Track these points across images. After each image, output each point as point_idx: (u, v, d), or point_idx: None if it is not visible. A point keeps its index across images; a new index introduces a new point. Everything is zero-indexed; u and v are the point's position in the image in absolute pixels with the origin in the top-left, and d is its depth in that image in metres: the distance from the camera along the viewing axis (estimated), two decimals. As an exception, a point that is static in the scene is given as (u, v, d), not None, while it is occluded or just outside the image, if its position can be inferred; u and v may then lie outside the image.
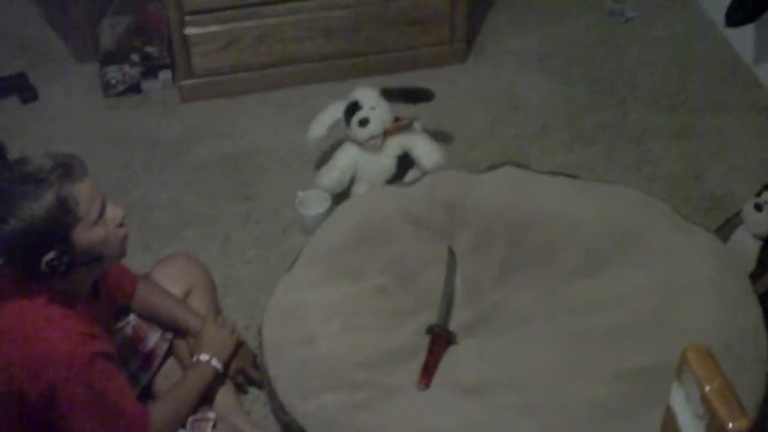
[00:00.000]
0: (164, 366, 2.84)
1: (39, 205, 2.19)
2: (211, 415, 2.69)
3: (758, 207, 3.04)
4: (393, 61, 4.18)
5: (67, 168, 2.25)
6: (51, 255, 2.23)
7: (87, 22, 4.21)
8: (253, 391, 2.92)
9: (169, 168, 3.76)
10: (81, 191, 2.25)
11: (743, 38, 4.21)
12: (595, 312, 2.87)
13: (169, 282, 2.86)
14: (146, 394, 2.80)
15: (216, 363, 2.71)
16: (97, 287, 2.48)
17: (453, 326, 2.87)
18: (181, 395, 2.61)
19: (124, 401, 2.39)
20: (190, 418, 2.65)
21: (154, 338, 2.79)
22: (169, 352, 2.85)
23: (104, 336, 2.40)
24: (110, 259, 2.40)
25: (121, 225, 2.39)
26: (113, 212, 2.36)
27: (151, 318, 2.80)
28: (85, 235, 2.27)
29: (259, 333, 2.85)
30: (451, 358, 2.76)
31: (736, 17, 3.89)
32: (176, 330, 2.83)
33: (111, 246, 2.35)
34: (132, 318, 2.77)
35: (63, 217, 2.22)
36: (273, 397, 2.71)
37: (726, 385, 2.30)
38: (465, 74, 4.23)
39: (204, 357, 2.70)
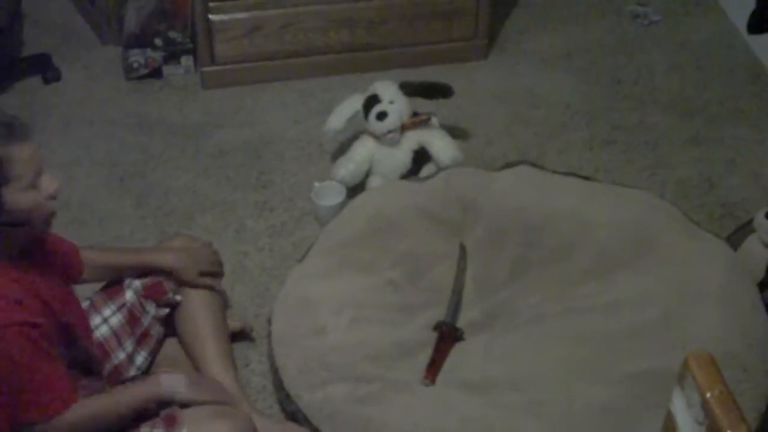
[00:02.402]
0: (167, 349, 2.84)
1: None
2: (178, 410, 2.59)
3: (770, 216, 3.05)
4: (414, 55, 4.19)
5: (8, 128, 2.23)
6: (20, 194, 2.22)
7: (112, 5, 4.23)
8: (260, 381, 2.94)
9: (187, 153, 3.78)
10: (18, 153, 2.21)
11: (766, 47, 4.20)
12: (603, 314, 2.88)
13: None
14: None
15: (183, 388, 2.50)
16: (30, 256, 2.42)
17: (461, 323, 2.89)
18: (110, 404, 2.45)
19: (39, 378, 2.29)
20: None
21: (147, 318, 2.75)
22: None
23: (35, 307, 2.31)
24: (32, 228, 2.35)
25: (52, 197, 2.34)
26: (48, 183, 2.31)
27: (113, 277, 2.74)
28: (12, 197, 2.23)
29: (269, 322, 2.88)
30: (457, 354, 2.78)
31: (757, 25, 3.88)
32: (147, 273, 2.77)
33: (36, 215, 2.31)
34: (129, 297, 2.76)
35: None
36: (279, 386, 2.74)
37: (727, 393, 2.31)
38: (485, 71, 4.24)
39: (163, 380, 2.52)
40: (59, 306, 2.41)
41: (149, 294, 2.72)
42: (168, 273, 2.74)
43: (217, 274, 2.85)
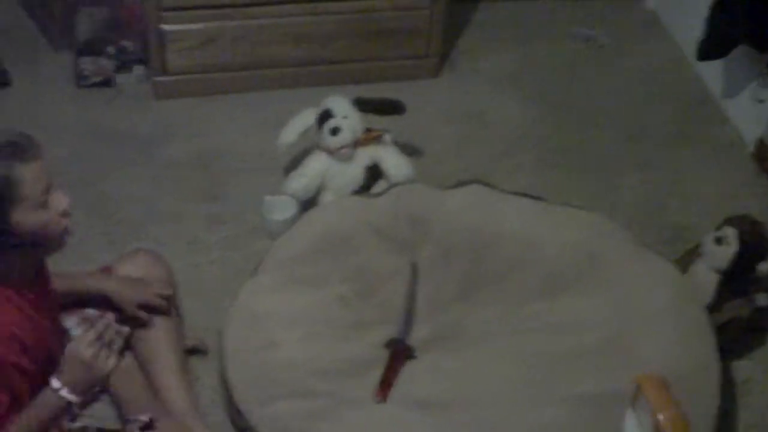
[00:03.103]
0: (123, 362, 2.82)
1: None
2: (144, 417, 2.64)
3: (718, 240, 3.08)
4: (367, 71, 4.20)
5: (19, 147, 2.21)
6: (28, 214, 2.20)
7: (65, 12, 4.19)
8: (210, 395, 2.92)
9: (139, 163, 3.76)
10: (28, 172, 2.20)
11: (713, 73, 4.26)
12: (552, 334, 2.91)
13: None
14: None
15: (67, 394, 2.37)
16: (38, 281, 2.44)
17: (412, 341, 2.90)
18: (23, 421, 2.38)
19: None
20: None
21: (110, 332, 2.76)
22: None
23: (29, 341, 2.33)
24: (49, 247, 2.36)
25: (64, 214, 2.33)
26: (58, 200, 2.31)
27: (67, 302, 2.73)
28: (25, 217, 2.22)
29: (220, 336, 2.86)
30: (409, 373, 2.79)
31: (706, 52, 3.95)
32: (94, 298, 2.76)
33: (51, 233, 2.30)
34: (91, 311, 2.76)
35: (4, 194, 2.18)
36: (230, 401, 2.73)
37: (678, 415, 2.36)
38: (437, 90, 4.26)
39: (56, 384, 2.39)
40: (49, 336, 2.42)
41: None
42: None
43: (159, 308, 2.81)
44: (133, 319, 2.75)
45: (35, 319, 2.37)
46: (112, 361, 2.37)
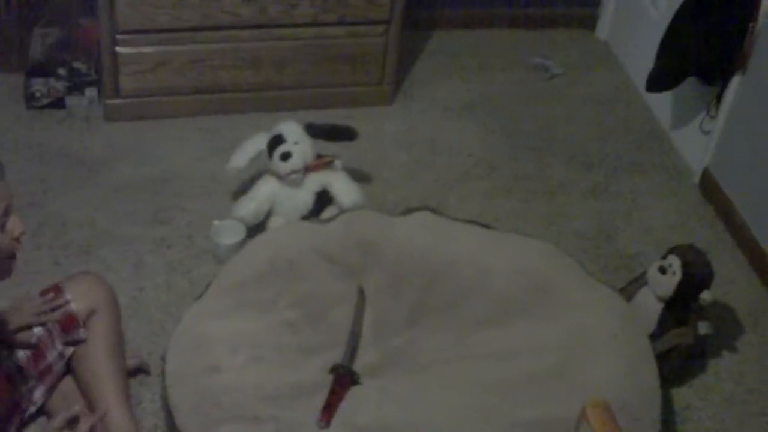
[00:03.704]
0: (61, 385, 2.81)
1: None
2: None
3: (662, 270, 3.11)
4: (320, 97, 4.21)
5: None
6: None
7: (17, 31, 4.17)
8: (151, 420, 2.90)
9: (88, 186, 3.74)
10: None
11: (662, 104, 4.32)
12: (499, 361, 2.91)
13: (73, 300, 2.84)
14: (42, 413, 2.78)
15: None
16: None
17: (357, 367, 2.89)
18: None
19: None
20: None
21: (53, 354, 2.75)
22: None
23: None
24: None
25: (18, 240, 2.32)
26: (14, 224, 2.30)
27: None
28: None
29: (163, 360, 2.84)
30: (353, 398, 2.77)
31: (656, 83, 4.00)
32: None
33: (2, 257, 2.30)
34: (37, 331, 2.73)
35: None
36: (172, 426, 2.70)
37: (618, 443, 2.36)
38: (390, 116, 4.28)
39: None
40: None
41: (64, 327, 2.68)
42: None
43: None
44: (9, 343, 2.70)
45: None
46: None
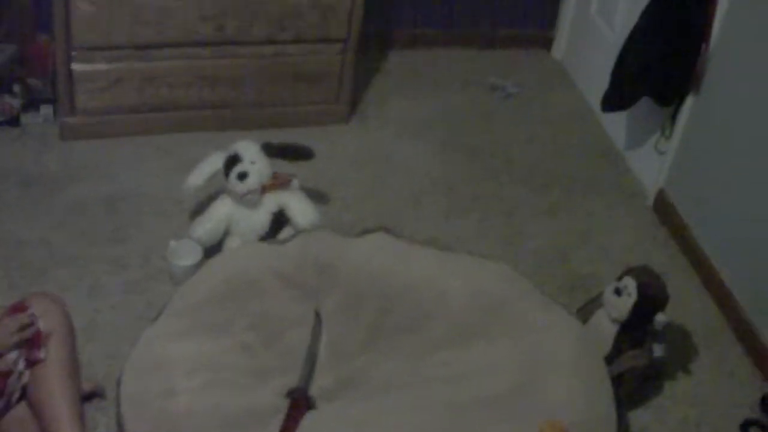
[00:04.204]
0: (17, 408, 2.78)
1: None
2: None
3: (618, 291, 3.14)
4: (277, 115, 4.21)
5: None
6: None
7: (-31, 48, 4.15)
8: (108, 445, 2.89)
9: (43, 205, 3.71)
10: None
11: (617, 124, 4.36)
12: (457, 384, 2.91)
13: (39, 318, 2.80)
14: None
15: None
16: None
17: (314, 390, 2.88)
18: None
19: None
20: None
21: (15, 374, 2.72)
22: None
23: None
24: None
25: None
26: None
27: None
28: None
29: (118, 384, 2.82)
30: (309, 423, 2.77)
31: (610, 103, 4.04)
32: None
33: None
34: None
35: None
36: (128, 451, 2.69)
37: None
38: (346, 136, 4.28)
39: None
40: None
41: (29, 346, 2.66)
42: None
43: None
44: None
45: None
46: None
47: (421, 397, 2.87)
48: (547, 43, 5.01)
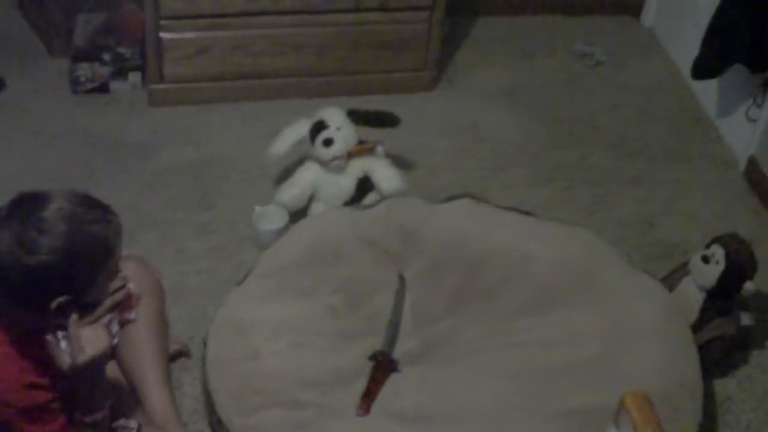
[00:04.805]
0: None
1: (100, 230, 2.24)
2: (132, 423, 2.66)
3: (705, 259, 3.08)
4: (362, 83, 4.21)
5: (114, 216, 2.33)
6: (65, 297, 2.23)
7: (61, 17, 4.21)
8: (191, 404, 2.92)
9: (131, 170, 3.76)
10: (118, 240, 2.32)
11: (708, 92, 4.27)
12: (540, 350, 2.90)
13: (130, 281, 2.85)
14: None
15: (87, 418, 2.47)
16: None
17: (397, 354, 2.89)
18: None
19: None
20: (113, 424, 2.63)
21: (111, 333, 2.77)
22: None
23: (46, 384, 2.37)
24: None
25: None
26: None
27: None
28: (103, 285, 2.31)
29: (204, 345, 2.86)
30: (393, 385, 2.78)
31: (702, 70, 3.96)
32: None
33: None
34: None
35: (105, 256, 2.26)
36: (211, 410, 2.72)
37: (660, 433, 2.35)
38: (432, 103, 4.26)
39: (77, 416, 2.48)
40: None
41: (123, 306, 2.70)
42: None
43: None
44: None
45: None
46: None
47: (504, 362, 2.87)
48: (636, 10, 4.93)
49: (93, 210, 2.27)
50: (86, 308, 2.33)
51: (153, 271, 2.96)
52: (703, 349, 2.98)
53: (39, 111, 4.01)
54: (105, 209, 2.30)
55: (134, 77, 4.14)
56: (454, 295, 3.06)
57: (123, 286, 2.70)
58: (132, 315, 2.77)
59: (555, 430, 2.67)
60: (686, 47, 4.27)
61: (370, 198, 3.54)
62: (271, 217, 3.45)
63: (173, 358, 2.98)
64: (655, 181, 3.95)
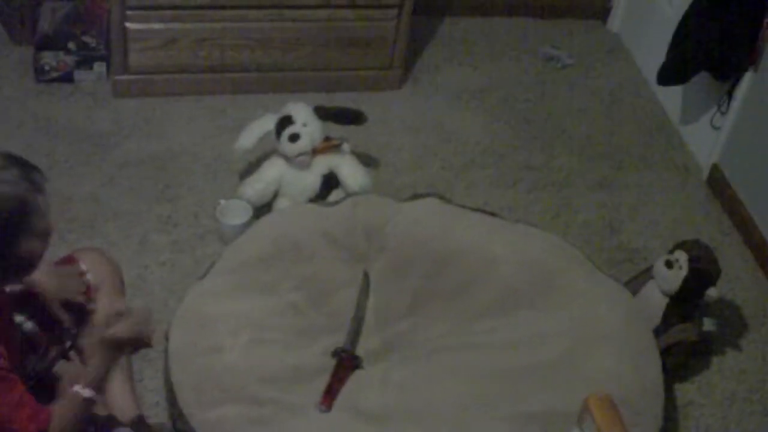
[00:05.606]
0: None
1: (11, 190, 2.20)
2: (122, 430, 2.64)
3: (669, 264, 3.10)
4: (330, 80, 4.20)
5: (38, 175, 2.28)
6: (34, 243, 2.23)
7: (26, 4, 4.15)
8: (152, 397, 2.90)
9: (94, 161, 3.72)
10: (43, 202, 2.27)
11: (673, 98, 4.30)
12: (503, 351, 2.91)
13: (88, 272, 2.82)
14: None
15: (84, 390, 2.39)
16: None
17: (360, 351, 2.89)
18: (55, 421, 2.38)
19: (14, 417, 2.26)
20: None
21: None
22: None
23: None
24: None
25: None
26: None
27: None
28: (32, 246, 2.25)
29: (166, 338, 2.84)
30: (355, 383, 2.77)
31: (667, 77, 3.99)
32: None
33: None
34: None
35: (22, 215, 2.21)
36: (173, 403, 2.70)
37: (621, 437, 2.36)
38: (399, 102, 4.26)
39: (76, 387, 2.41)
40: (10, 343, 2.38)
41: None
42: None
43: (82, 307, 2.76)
44: (51, 313, 2.69)
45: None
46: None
47: (466, 362, 2.87)
48: (603, 15, 4.95)
49: (9, 169, 2.22)
50: (21, 271, 2.30)
51: (114, 263, 2.92)
52: (665, 353, 3.00)
53: (1, 99, 3.95)
54: (26, 168, 2.25)
55: (99, 67, 4.09)
56: (417, 293, 3.06)
57: (80, 276, 2.68)
58: (92, 305, 2.74)
59: (515, 431, 2.67)
60: (651, 53, 4.29)
61: (335, 195, 3.53)
62: (235, 212, 3.43)
63: (134, 349, 2.94)
64: (619, 185, 3.96)
